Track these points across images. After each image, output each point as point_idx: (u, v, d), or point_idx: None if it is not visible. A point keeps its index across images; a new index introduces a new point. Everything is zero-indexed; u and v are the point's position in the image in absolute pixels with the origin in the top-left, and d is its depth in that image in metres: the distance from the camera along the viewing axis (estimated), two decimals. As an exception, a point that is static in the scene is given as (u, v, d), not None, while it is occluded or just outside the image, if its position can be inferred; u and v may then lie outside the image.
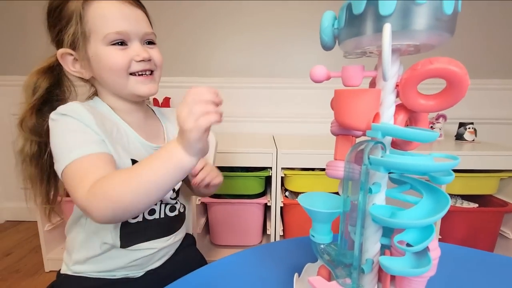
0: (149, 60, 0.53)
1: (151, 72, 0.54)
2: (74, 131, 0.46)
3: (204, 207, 1.38)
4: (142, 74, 0.53)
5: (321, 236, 0.35)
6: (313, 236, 0.36)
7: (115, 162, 0.48)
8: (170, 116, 0.67)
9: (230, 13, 1.64)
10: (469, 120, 1.47)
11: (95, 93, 0.58)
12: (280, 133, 1.70)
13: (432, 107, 0.30)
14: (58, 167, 0.45)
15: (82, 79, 0.55)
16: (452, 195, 1.26)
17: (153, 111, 0.66)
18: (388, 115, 0.31)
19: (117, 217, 0.42)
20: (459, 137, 1.46)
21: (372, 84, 0.34)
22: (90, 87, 0.59)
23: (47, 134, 0.49)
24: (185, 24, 1.65)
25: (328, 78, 0.33)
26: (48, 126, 0.49)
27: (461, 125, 1.46)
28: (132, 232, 0.55)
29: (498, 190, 1.22)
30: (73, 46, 0.50)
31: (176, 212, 0.61)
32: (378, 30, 0.27)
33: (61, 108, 0.48)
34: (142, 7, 0.54)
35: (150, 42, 0.55)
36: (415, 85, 0.29)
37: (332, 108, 0.34)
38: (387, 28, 0.24)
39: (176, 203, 0.62)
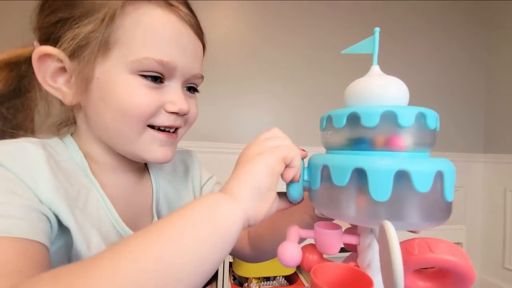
0: (184, 114, 0.36)
1: (176, 129, 0.37)
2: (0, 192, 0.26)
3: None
4: (164, 130, 0.35)
5: None
6: None
7: (49, 264, 0.26)
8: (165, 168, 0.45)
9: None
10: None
11: (71, 128, 0.37)
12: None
13: (430, 289, 0.24)
14: None
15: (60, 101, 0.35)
16: None
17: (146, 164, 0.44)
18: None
19: None
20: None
21: (350, 245, 0.28)
22: (68, 114, 0.37)
23: None
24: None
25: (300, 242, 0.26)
26: None
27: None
28: None
29: None
30: (73, 51, 0.31)
31: None
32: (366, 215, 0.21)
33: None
34: (203, 40, 0.37)
35: (192, 89, 0.38)
36: (411, 269, 0.23)
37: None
38: (390, 228, 0.18)
39: None
